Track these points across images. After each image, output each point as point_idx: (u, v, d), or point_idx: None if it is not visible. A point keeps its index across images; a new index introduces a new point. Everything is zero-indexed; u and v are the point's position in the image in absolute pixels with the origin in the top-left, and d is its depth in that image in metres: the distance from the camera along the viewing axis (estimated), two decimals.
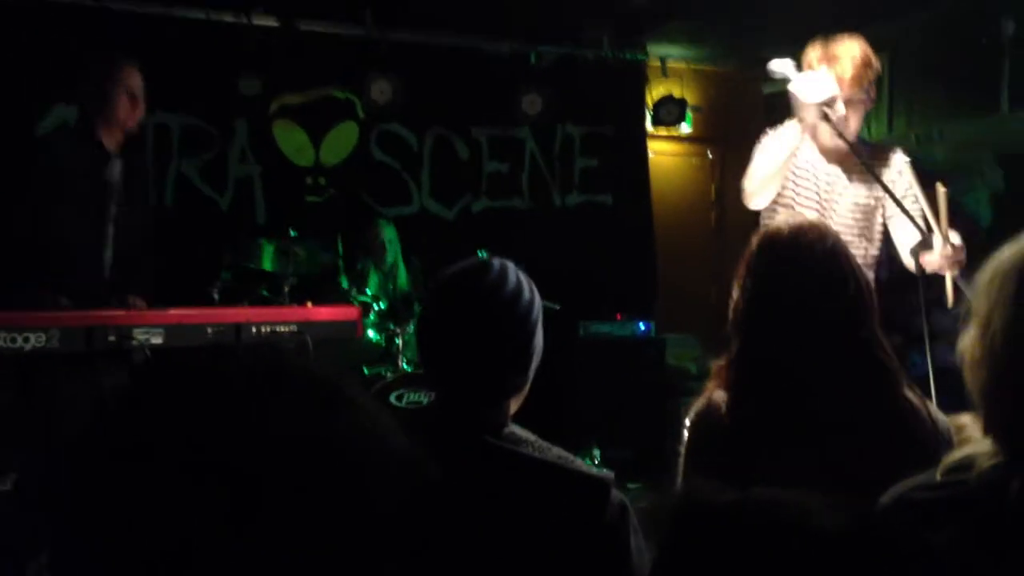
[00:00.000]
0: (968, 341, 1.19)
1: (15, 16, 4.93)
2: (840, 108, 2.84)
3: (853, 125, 2.98)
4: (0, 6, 4.88)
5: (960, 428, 1.82)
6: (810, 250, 1.80)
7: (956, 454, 1.20)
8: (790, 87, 2.83)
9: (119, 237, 3.50)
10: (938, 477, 1.19)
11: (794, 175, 3.08)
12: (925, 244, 2.74)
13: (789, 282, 1.80)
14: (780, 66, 2.84)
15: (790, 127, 2.90)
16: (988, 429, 1.18)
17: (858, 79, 2.93)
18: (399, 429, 0.79)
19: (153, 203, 5.40)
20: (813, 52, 3.04)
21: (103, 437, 0.71)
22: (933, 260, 2.79)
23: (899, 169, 3.06)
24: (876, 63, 3.01)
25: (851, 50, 2.96)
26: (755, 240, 1.89)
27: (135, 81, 3.49)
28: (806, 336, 1.75)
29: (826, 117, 2.80)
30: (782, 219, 1.91)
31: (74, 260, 3.33)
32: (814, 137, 3.08)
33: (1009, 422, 1.15)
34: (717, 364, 1.90)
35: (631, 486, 4.94)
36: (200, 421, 0.70)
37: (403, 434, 0.79)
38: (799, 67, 3.00)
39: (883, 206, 3.07)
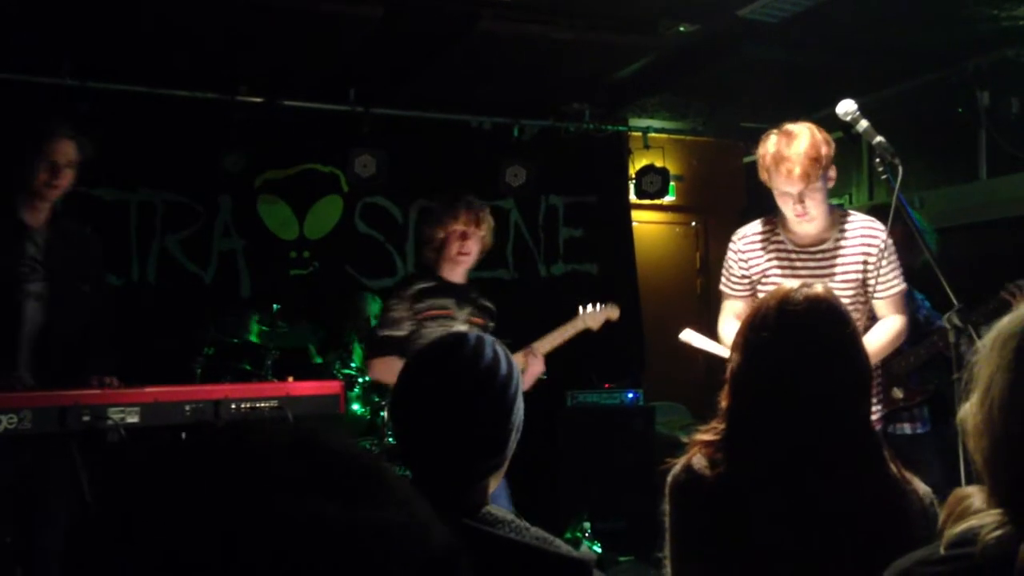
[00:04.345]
0: (969, 408, 1.15)
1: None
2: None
3: (815, 211, 3.04)
4: None
5: (963, 499, 1.78)
6: (825, 323, 1.77)
7: (958, 527, 1.15)
8: (861, 128, 2.84)
9: (55, 314, 3.40)
10: (942, 551, 1.15)
11: (777, 266, 3.15)
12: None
13: (798, 351, 1.76)
14: (848, 106, 2.86)
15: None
16: (993, 498, 1.13)
17: (805, 176, 2.98)
18: (435, 518, 0.70)
19: (136, 278, 5.39)
20: (763, 151, 3.09)
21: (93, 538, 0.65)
22: None
23: (890, 256, 3.10)
24: (827, 148, 3.04)
25: (797, 146, 3.00)
26: (773, 302, 1.83)
27: (61, 152, 3.35)
28: (799, 404, 1.72)
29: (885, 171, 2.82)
30: (797, 285, 1.86)
31: None
32: (786, 228, 3.16)
33: (1013, 491, 1.10)
34: (704, 428, 1.85)
35: (622, 559, 4.84)
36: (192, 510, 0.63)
37: (439, 525, 0.70)
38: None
39: (876, 270, 3.07)
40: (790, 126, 3.06)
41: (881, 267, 3.07)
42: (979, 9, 4.61)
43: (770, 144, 3.07)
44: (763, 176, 3.13)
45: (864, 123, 2.84)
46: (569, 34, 4.81)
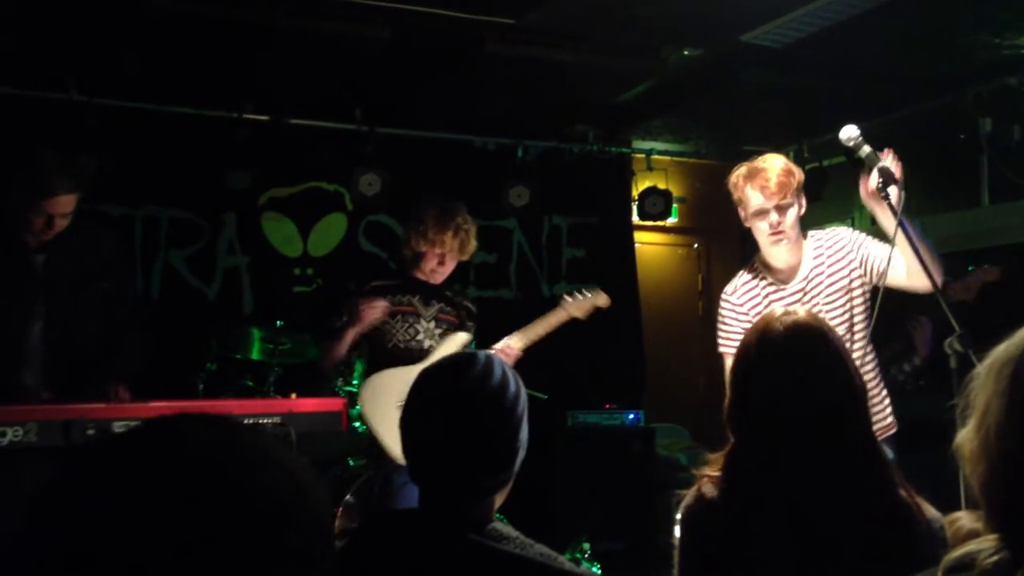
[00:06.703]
0: (966, 434, 1.17)
1: (3, 111, 4.98)
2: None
3: (789, 228, 3.08)
4: None
5: (952, 522, 1.79)
6: (810, 348, 1.79)
7: (956, 552, 1.16)
8: (864, 153, 2.85)
9: (64, 329, 3.37)
10: (940, 575, 1.16)
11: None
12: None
13: (788, 380, 1.78)
14: (851, 132, 2.87)
15: None
16: (990, 524, 1.15)
17: (783, 186, 3.06)
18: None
19: (140, 293, 5.40)
20: (736, 173, 3.18)
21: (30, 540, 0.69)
22: None
23: (859, 242, 3.13)
24: (799, 173, 3.15)
25: (771, 161, 3.12)
26: (753, 334, 1.86)
27: (59, 207, 3.24)
28: (802, 434, 1.73)
29: (885, 193, 2.80)
30: (779, 313, 1.88)
31: None
32: (769, 268, 3.18)
33: (1010, 516, 1.12)
34: (711, 457, 1.87)
35: None
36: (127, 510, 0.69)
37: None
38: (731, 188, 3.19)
39: (862, 277, 3.12)
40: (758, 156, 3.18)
41: (870, 249, 3.09)
42: (980, 37, 4.66)
43: (742, 167, 3.17)
44: (736, 198, 3.17)
45: (867, 148, 2.86)
46: (573, 57, 4.86)
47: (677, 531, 1.86)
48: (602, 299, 4.19)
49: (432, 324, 3.92)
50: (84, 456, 0.75)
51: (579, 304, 4.16)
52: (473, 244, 4.00)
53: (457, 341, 3.92)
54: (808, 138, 6.38)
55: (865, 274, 3.10)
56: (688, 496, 1.84)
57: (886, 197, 2.80)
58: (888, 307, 2.87)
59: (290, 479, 0.75)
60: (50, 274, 3.38)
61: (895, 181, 2.79)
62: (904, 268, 2.95)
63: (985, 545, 1.12)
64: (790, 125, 6.21)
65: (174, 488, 0.70)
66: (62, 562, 0.66)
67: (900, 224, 2.78)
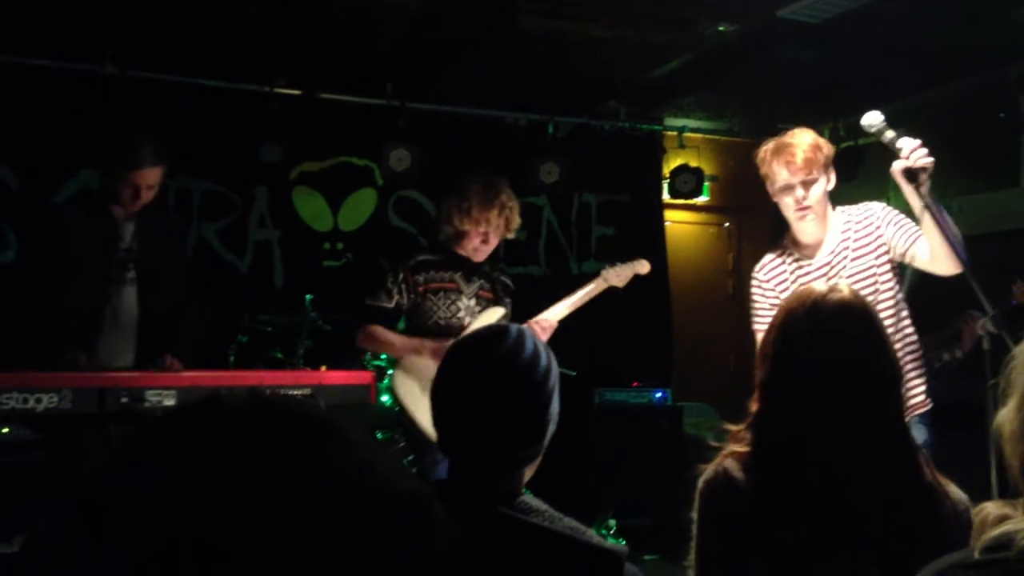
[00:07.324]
0: (1005, 414, 1.15)
1: (41, 83, 5.03)
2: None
3: (816, 203, 3.09)
4: (26, 72, 4.98)
5: (978, 512, 1.77)
6: (854, 327, 1.76)
7: (994, 531, 1.15)
8: (887, 139, 2.79)
9: (146, 299, 3.54)
10: (976, 555, 1.14)
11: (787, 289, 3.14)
12: None
13: (830, 358, 1.74)
14: (874, 118, 2.81)
15: None
16: None
17: (809, 161, 3.05)
18: (403, 470, 0.77)
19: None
20: (764, 148, 3.17)
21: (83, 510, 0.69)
22: None
23: (888, 220, 3.12)
24: (827, 148, 3.13)
25: (800, 137, 3.11)
26: (795, 307, 1.81)
27: (146, 179, 3.41)
28: (832, 410, 1.71)
29: (913, 177, 2.74)
30: (822, 288, 1.84)
31: (72, 327, 3.37)
32: (797, 245, 3.20)
33: None
34: (735, 430, 1.85)
35: (648, 557, 4.84)
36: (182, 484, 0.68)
37: (408, 475, 0.77)
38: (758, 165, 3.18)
39: (888, 254, 3.10)
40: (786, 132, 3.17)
41: (899, 228, 3.08)
42: (1021, 14, 4.56)
43: (770, 142, 3.16)
44: (763, 173, 3.17)
45: (890, 134, 2.79)
46: (606, 32, 4.81)
47: (696, 502, 1.84)
48: (643, 266, 4.15)
49: (473, 302, 3.90)
50: (127, 436, 0.75)
51: (618, 272, 4.12)
52: (517, 221, 3.91)
53: (492, 316, 3.91)
54: (844, 116, 6.28)
55: (890, 251, 3.09)
56: (708, 470, 1.82)
57: (917, 188, 2.76)
58: (947, 297, 2.84)
59: (349, 457, 0.74)
60: (138, 243, 3.54)
61: (919, 177, 2.74)
62: (927, 252, 2.93)
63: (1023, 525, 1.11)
64: (826, 102, 6.11)
65: (212, 467, 0.69)
66: (90, 535, 0.66)
67: (928, 208, 2.74)
